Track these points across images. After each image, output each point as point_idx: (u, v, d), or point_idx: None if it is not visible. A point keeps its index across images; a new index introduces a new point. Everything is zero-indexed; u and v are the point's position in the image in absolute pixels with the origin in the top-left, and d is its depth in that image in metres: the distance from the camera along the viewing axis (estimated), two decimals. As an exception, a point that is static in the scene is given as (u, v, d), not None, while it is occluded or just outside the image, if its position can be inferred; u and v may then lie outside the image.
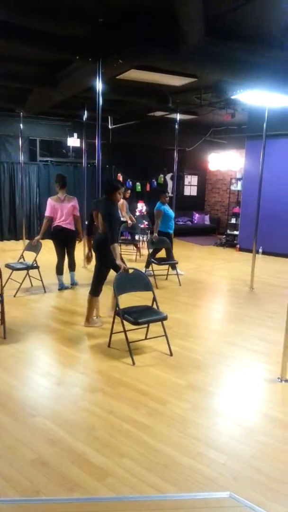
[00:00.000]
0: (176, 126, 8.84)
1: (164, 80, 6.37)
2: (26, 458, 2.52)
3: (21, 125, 9.33)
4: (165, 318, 4.03)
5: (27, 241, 8.89)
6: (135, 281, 4.24)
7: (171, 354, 3.96)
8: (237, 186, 11.76)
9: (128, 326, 3.95)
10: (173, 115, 9.02)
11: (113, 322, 4.08)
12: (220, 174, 13.66)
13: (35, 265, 6.07)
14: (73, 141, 10.83)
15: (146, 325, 4.35)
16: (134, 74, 6.04)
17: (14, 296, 5.85)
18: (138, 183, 12.34)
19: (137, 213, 11.47)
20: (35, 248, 6.07)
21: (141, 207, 11.72)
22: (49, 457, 2.54)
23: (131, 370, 3.73)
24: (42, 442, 2.68)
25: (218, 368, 3.86)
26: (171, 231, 7.23)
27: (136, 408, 3.12)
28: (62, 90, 6.72)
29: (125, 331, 3.98)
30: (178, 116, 8.81)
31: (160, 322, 4.05)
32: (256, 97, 6.35)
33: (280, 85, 5.55)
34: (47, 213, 6.11)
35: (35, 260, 6.04)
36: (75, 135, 10.83)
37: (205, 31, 4.34)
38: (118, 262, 4.25)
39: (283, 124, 8.96)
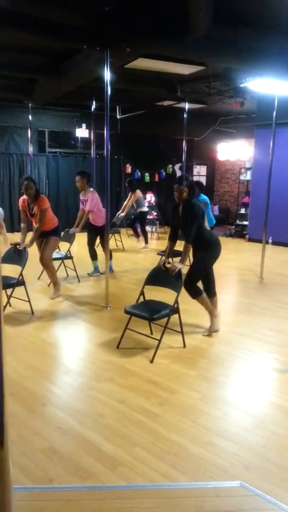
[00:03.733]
0: (185, 115, 8.77)
1: (172, 68, 6.30)
2: (39, 447, 2.55)
3: (29, 116, 9.33)
4: (151, 319, 3.83)
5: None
6: (169, 278, 4.03)
7: (153, 355, 3.97)
8: (247, 176, 11.65)
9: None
10: (181, 104, 8.93)
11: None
12: (229, 164, 13.55)
13: (68, 255, 6.28)
14: (82, 132, 10.79)
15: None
16: (142, 63, 5.97)
17: (48, 285, 5.93)
18: (146, 174, 12.28)
19: (146, 204, 11.44)
20: (68, 238, 6.23)
21: (150, 197, 11.68)
22: (61, 446, 2.57)
23: (140, 361, 3.74)
24: (53, 431, 2.71)
25: (228, 359, 3.86)
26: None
27: (146, 397, 3.13)
28: (69, 80, 6.68)
29: (129, 318, 3.97)
30: (187, 105, 8.73)
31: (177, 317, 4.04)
32: (265, 85, 6.28)
33: (290, 72, 5.46)
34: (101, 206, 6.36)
35: (68, 250, 6.26)
36: (84, 125, 10.79)
37: (213, 18, 4.27)
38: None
39: (293, 112, 8.83)
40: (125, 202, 8.96)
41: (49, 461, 2.42)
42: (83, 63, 5.90)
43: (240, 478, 2.32)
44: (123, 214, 8.96)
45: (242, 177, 11.98)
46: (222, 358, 3.87)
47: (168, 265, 4.07)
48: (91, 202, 6.18)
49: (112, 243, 8.94)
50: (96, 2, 4.41)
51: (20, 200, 5.18)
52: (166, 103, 9.12)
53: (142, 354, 3.87)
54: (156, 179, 12.49)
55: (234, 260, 8.24)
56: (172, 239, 4.40)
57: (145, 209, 9.16)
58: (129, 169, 12.05)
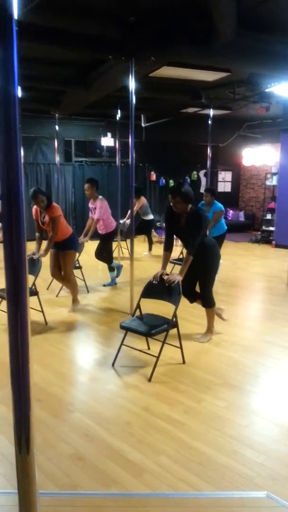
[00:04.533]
0: (209, 122, 8.75)
1: (196, 75, 6.32)
2: (64, 453, 2.58)
3: (56, 126, 9.51)
4: (144, 333, 3.60)
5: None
6: (165, 290, 3.83)
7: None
8: (273, 181, 11.52)
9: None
10: (206, 111, 8.92)
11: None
12: (255, 169, 13.41)
13: (77, 265, 6.08)
14: (107, 141, 10.92)
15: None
16: (167, 71, 6.02)
17: (57, 296, 5.93)
18: (171, 181, 12.30)
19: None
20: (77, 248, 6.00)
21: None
22: (86, 452, 2.59)
23: (165, 368, 3.74)
24: (79, 437, 2.74)
25: (254, 367, 3.81)
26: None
27: (171, 405, 3.13)
28: (95, 91, 6.79)
29: (125, 333, 3.85)
30: (212, 112, 8.71)
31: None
32: (291, 89, 6.21)
33: None
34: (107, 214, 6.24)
35: (77, 260, 6.07)
36: (109, 134, 10.92)
37: (237, 24, 4.28)
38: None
39: None
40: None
41: (74, 467, 2.45)
42: (109, 73, 6.00)
43: (266, 489, 2.28)
44: (128, 221, 8.86)
45: (268, 183, 11.84)
46: (248, 366, 3.82)
47: (165, 277, 3.83)
48: (100, 210, 6.07)
49: (118, 251, 8.41)
50: (121, 13, 4.48)
51: (34, 209, 5.18)
52: (191, 110, 9.13)
53: (169, 362, 3.86)
54: (181, 185, 12.47)
55: (260, 266, 8.13)
56: (168, 249, 4.13)
57: (151, 217, 8.95)
58: (154, 176, 12.10)
